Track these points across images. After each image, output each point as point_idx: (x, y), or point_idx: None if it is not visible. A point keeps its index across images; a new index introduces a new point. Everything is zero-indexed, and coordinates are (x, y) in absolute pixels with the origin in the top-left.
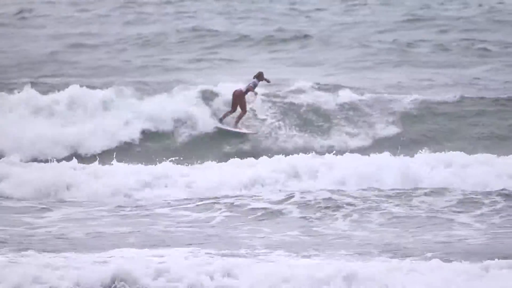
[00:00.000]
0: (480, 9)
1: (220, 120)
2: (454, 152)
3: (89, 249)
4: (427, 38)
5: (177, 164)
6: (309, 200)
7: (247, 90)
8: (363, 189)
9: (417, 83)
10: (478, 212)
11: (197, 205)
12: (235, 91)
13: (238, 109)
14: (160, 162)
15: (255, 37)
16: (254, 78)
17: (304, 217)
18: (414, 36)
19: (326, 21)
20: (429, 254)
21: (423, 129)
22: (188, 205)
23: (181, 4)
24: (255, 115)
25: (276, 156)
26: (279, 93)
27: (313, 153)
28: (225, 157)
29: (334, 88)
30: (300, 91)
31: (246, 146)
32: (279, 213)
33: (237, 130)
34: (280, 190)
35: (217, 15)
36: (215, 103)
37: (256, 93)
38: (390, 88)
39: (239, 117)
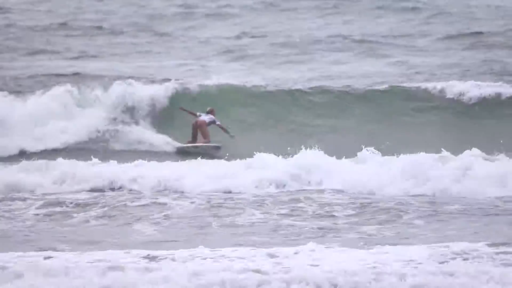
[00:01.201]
0: None
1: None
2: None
3: None
4: None
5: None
6: None
7: (210, 123)
8: None
9: None
10: None
11: None
12: (197, 121)
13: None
14: None
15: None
16: (208, 113)
17: None
18: None
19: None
20: None
21: None
22: None
23: None
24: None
25: None
26: None
27: None
28: None
29: None
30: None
31: None
32: None
33: (199, 144)
34: None
35: None
36: None
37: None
38: None
39: (203, 143)
